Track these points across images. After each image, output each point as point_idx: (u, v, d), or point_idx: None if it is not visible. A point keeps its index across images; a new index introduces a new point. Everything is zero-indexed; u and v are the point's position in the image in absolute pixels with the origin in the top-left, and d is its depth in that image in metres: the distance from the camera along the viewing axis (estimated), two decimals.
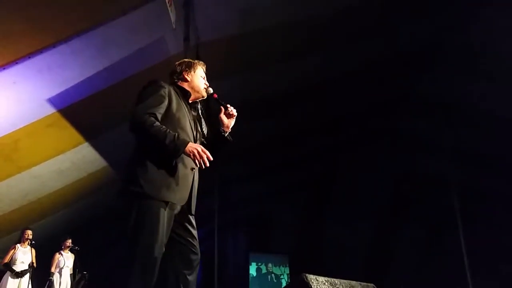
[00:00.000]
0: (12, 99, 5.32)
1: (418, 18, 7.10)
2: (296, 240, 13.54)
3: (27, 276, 6.21)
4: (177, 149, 2.17)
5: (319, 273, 3.22)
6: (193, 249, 2.36)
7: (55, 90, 5.48)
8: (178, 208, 2.31)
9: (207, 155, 2.23)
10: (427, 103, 9.02)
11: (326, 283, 3.04)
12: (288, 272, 13.10)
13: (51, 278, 6.64)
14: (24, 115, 5.57)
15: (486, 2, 6.36)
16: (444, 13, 6.82)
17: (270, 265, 13.10)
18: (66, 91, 5.53)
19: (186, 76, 2.53)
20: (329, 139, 10.55)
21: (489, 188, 9.48)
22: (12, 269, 6.18)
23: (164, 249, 2.19)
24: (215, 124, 2.58)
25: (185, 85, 2.53)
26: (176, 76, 2.55)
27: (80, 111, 5.94)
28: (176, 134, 2.21)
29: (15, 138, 5.73)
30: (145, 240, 2.12)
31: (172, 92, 2.39)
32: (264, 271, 13.01)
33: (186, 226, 2.38)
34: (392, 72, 8.38)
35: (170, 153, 2.20)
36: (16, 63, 4.84)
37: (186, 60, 2.65)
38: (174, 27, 5.06)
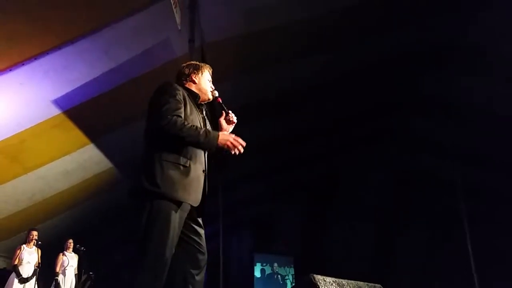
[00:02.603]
0: (19, 100, 5.35)
1: (420, 19, 7.08)
2: (301, 240, 13.52)
3: (33, 280, 6.25)
4: (212, 143, 2.27)
5: (324, 274, 3.22)
6: (200, 249, 2.37)
7: (61, 91, 5.51)
8: (189, 209, 2.31)
9: (239, 142, 2.31)
10: (429, 103, 9.00)
11: (334, 284, 3.04)
12: (293, 273, 13.06)
13: (57, 278, 6.78)
14: (30, 116, 5.60)
15: (487, 3, 6.34)
16: (446, 14, 6.80)
17: (275, 265, 13.06)
18: (72, 92, 5.56)
19: (194, 78, 2.57)
20: (332, 139, 10.53)
21: (493, 187, 9.44)
22: (19, 273, 6.20)
23: (174, 251, 2.20)
24: (216, 127, 2.62)
25: (193, 87, 2.56)
26: (184, 77, 2.58)
27: (86, 112, 5.96)
28: (206, 129, 2.31)
29: (21, 139, 5.77)
30: (156, 241, 2.12)
31: (185, 94, 2.43)
32: (268, 271, 12.97)
33: (194, 226, 2.39)
34: (394, 73, 8.36)
35: (205, 148, 2.34)
36: (23, 64, 4.88)
37: (193, 62, 2.68)
38: (179, 28, 5.07)
